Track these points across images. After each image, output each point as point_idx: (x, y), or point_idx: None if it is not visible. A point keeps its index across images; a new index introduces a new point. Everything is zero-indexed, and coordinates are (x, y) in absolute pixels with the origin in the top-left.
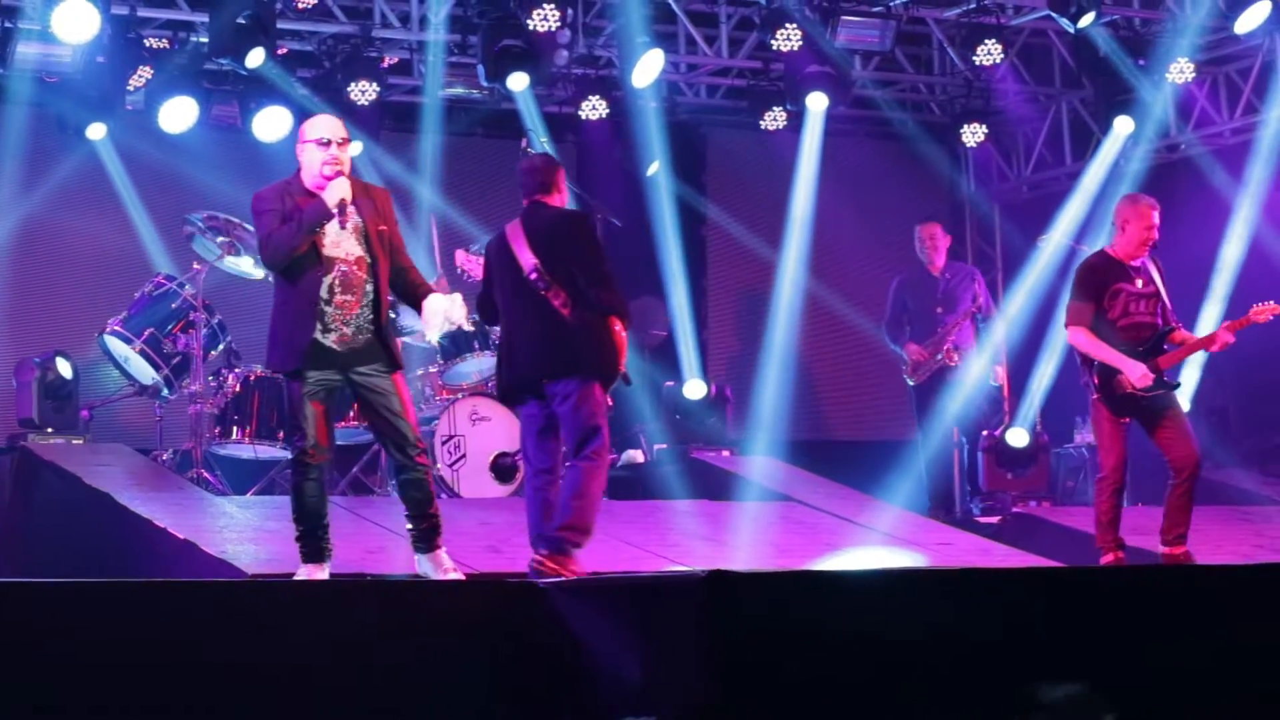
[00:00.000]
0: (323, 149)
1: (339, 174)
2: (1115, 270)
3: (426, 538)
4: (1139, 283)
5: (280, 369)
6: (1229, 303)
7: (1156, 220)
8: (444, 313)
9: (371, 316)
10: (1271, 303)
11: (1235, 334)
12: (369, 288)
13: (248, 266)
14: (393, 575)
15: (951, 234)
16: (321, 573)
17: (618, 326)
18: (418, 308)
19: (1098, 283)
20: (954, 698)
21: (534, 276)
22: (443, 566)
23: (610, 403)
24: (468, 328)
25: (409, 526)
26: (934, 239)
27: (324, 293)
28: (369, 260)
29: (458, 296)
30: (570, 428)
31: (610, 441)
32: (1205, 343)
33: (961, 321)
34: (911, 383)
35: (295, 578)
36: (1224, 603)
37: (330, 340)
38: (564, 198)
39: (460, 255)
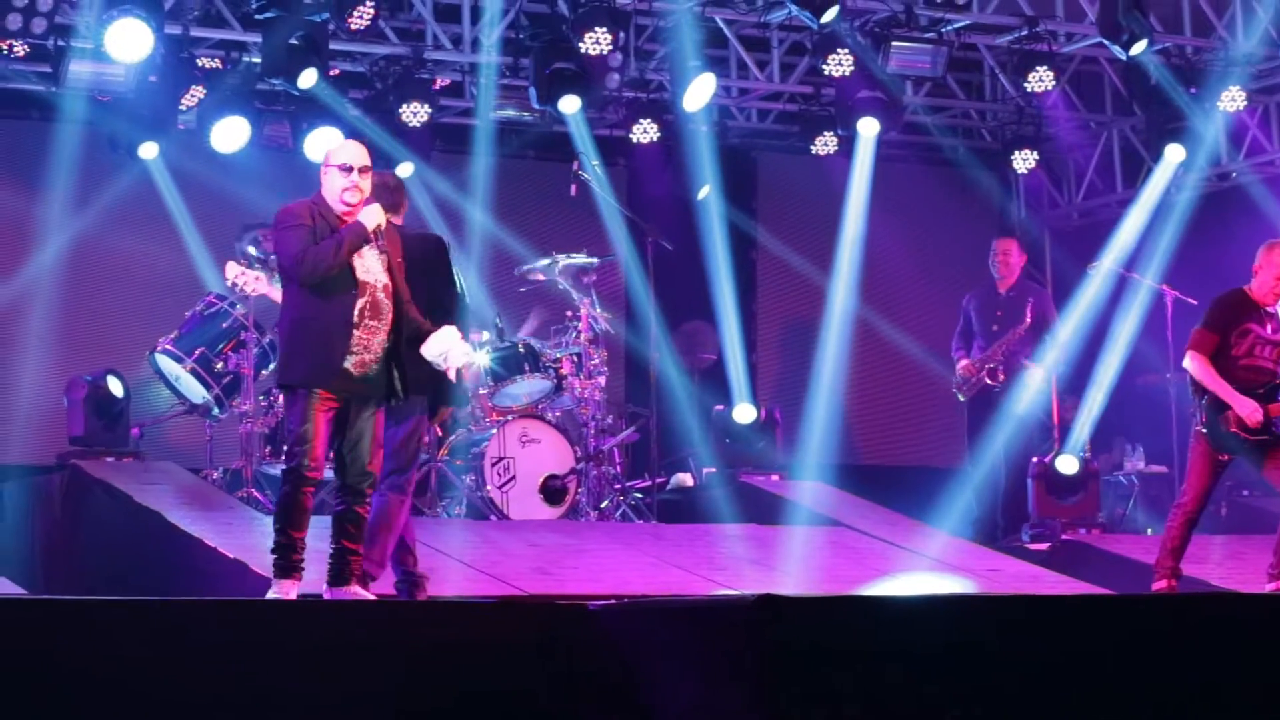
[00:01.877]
0: (344, 175)
1: (366, 201)
2: (1249, 310)
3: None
4: (1269, 328)
5: (299, 384)
6: None
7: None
8: (443, 353)
9: (389, 345)
10: None
11: None
12: (390, 316)
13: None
14: (443, 597)
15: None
16: (295, 589)
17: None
18: (416, 345)
19: (1227, 318)
20: None
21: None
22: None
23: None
24: (475, 364)
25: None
26: (1007, 254)
27: (354, 316)
28: (393, 289)
29: (453, 332)
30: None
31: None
32: None
33: (1012, 340)
34: (961, 398)
35: (269, 596)
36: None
37: (350, 364)
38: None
39: (231, 267)
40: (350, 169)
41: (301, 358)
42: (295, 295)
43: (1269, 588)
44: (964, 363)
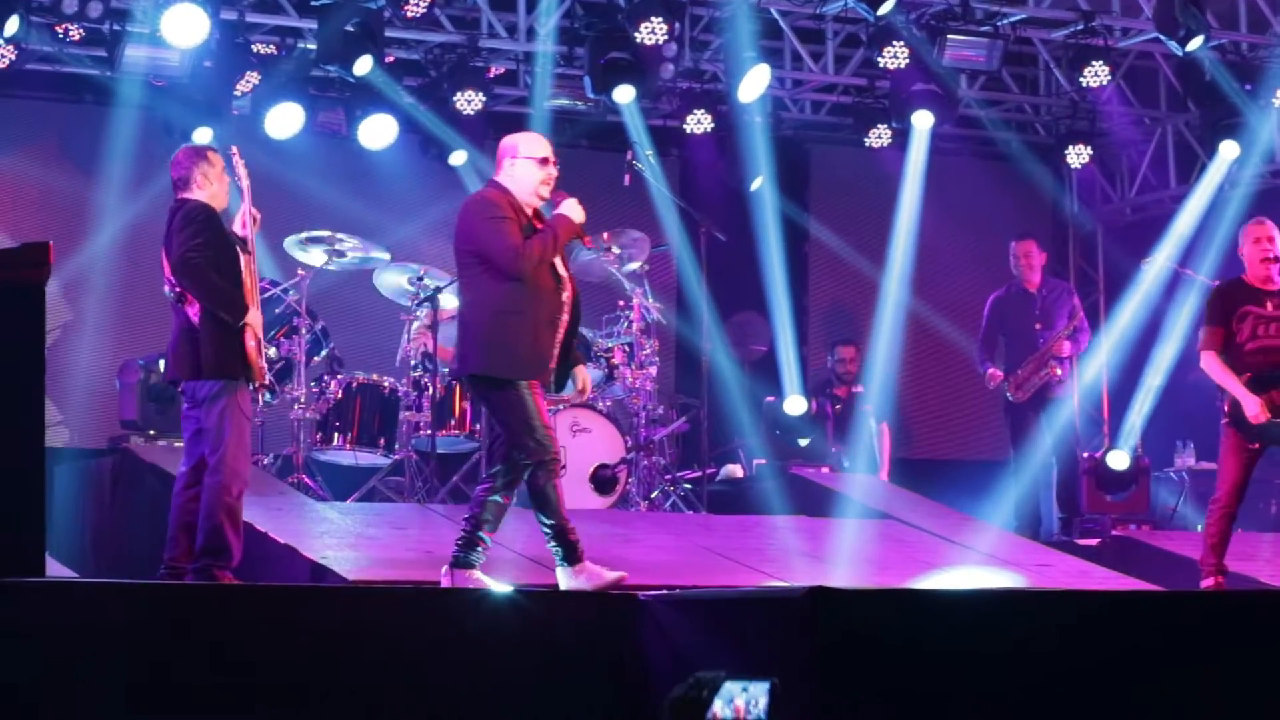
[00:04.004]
0: (542, 167)
1: (558, 196)
2: (1243, 294)
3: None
4: (1269, 305)
5: (512, 377)
6: None
7: (1267, 235)
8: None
9: (565, 338)
10: None
11: None
12: (571, 309)
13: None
14: (494, 586)
15: (1054, 254)
16: (589, 568)
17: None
18: None
19: (1224, 307)
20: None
21: (166, 288)
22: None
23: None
24: None
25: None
26: (1029, 256)
27: (561, 311)
28: (572, 283)
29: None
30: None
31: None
32: None
33: (1062, 338)
34: (1012, 399)
35: (574, 585)
36: None
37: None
38: (211, 191)
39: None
40: (547, 161)
41: (511, 351)
42: (497, 287)
43: None
44: (994, 373)
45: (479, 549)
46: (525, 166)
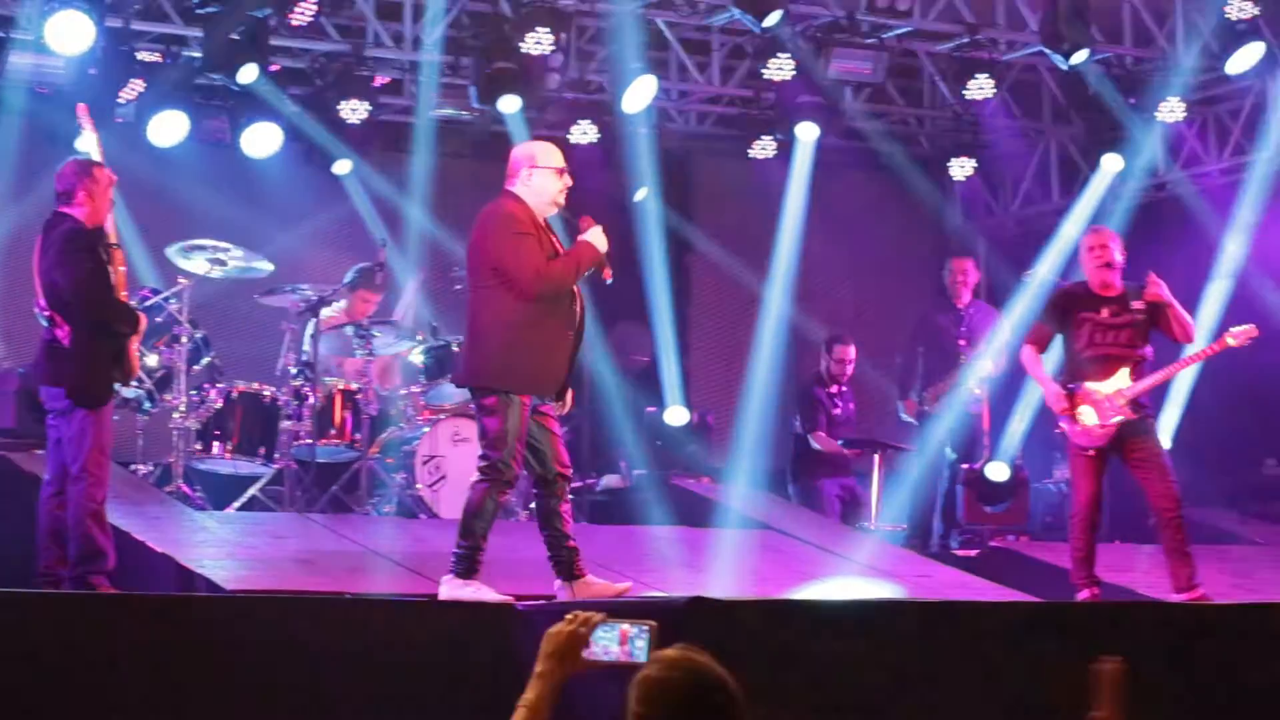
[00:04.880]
0: (560, 178)
1: (583, 221)
2: (1082, 299)
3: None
4: (1105, 312)
5: (516, 390)
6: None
7: (1100, 243)
8: None
9: (573, 349)
10: (1249, 326)
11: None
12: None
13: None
14: (371, 594)
15: (936, 267)
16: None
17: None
18: None
19: (1061, 310)
20: None
21: (38, 310)
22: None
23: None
24: None
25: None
26: (966, 274)
27: (575, 326)
28: (582, 296)
29: None
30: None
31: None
32: (1172, 371)
33: (988, 358)
34: (926, 410)
35: (451, 595)
36: (1199, 641)
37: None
38: (92, 208)
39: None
40: (564, 171)
41: (522, 365)
42: (514, 301)
43: (1175, 599)
44: (910, 403)
45: (577, 558)
46: (544, 176)
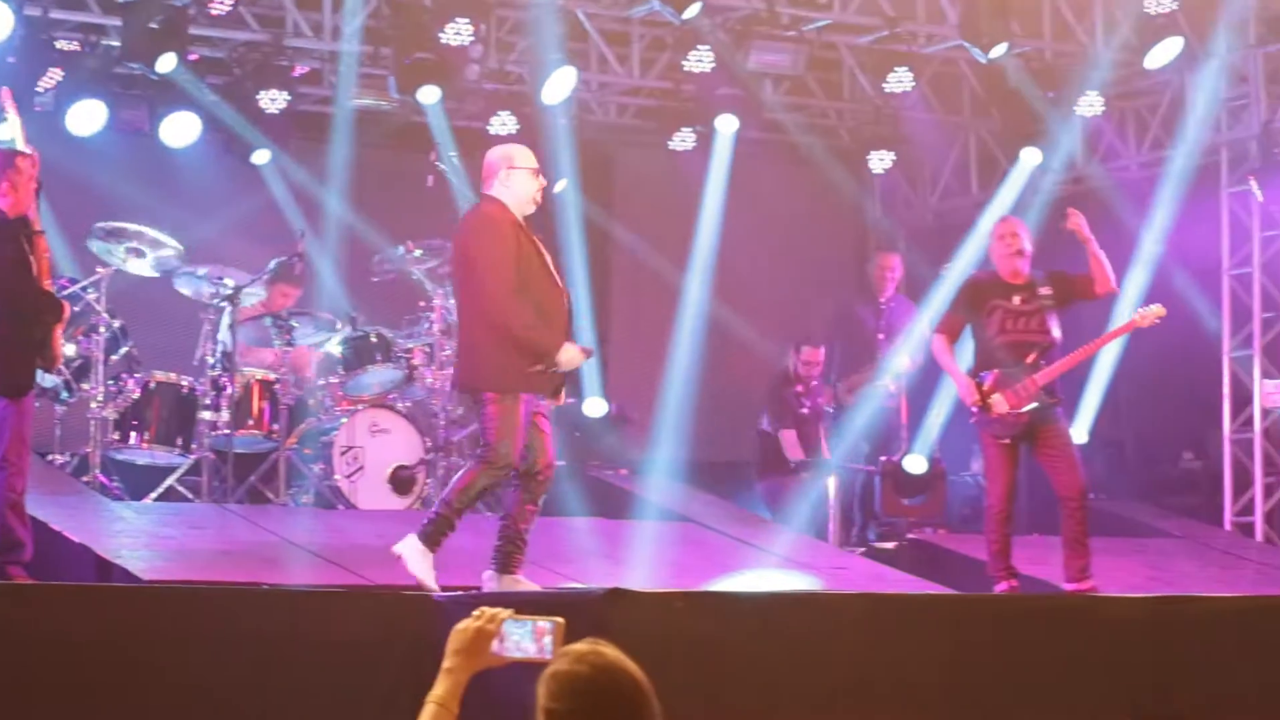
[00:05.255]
0: (536, 177)
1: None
2: (993, 288)
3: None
4: (1016, 299)
5: (518, 389)
6: (1131, 333)
7: (1010, 231)
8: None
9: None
10: (1156, 306)
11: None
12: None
13: (146, 270)
14: (288, 585)
15: (855, 259)
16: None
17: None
18: None
19: (972, 299)
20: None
21: None
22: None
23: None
24: None
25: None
26: (891, 269)
27: (566, 326)
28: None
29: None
30: None
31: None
32: (1082, 354)
33: (906, 354)
34: (841, 401)
35: (401, 554)
36: (1117, 633)
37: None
38: (15, 199)
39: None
40: (539, 171)
41: (517, 364)
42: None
43: (1067, 587)
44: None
45: (521, 554)
46: (521, 178)
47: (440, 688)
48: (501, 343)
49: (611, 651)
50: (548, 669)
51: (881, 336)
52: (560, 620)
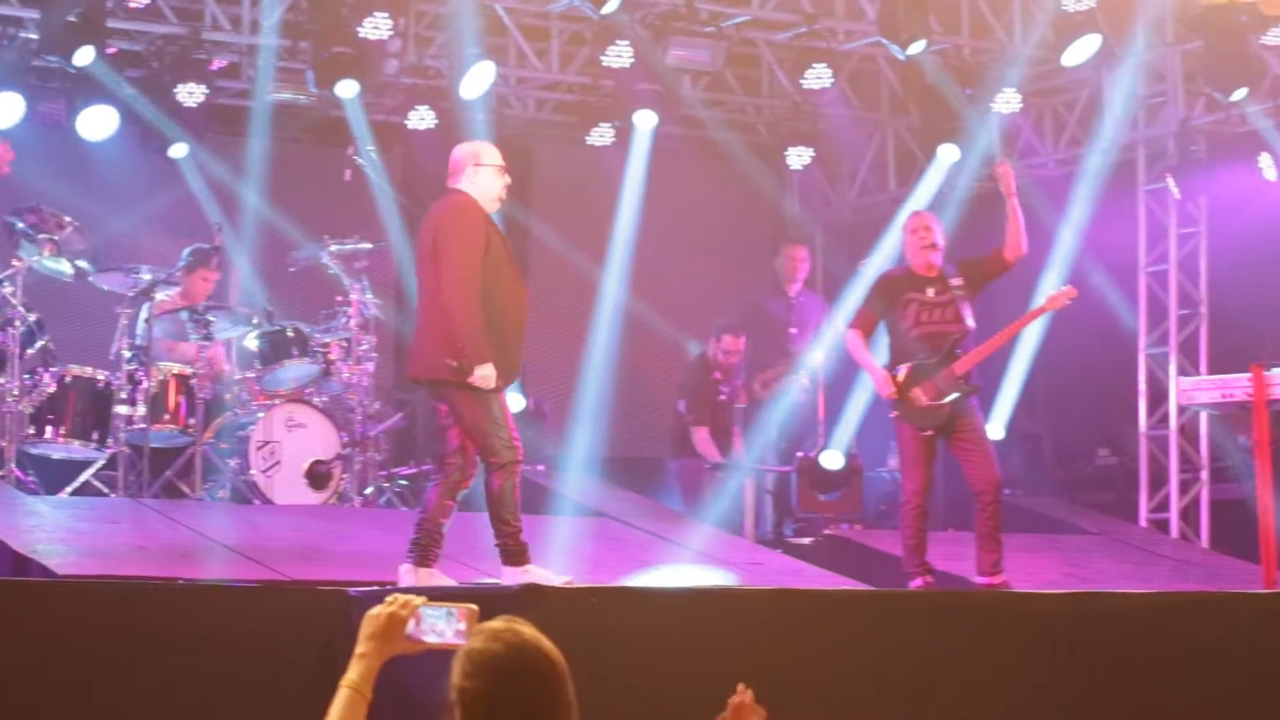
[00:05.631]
0: (502, 175)
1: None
2: (906, 281)
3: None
4: (930, 292)
5: (452, 372)
6: (1048, 328)
7: (923, 224)
8: None
9: None
10: (1066, 287)
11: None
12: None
13: (65, 268)
14: (204, 580)
15: (774, 256)
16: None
17: None
18: None
19: (886, 294)
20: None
21: None
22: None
23: None
24: None
25: None
26: (799, 261)
27: (524, 316)
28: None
29: None
30: None
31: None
32: (998, 340)
33: (818, 348)
34: (755, 396)
35: (533, 580)
36: (1032, 629)
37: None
38: None
39: None
40: (504, 169)
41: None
42: (459, 292)
43: (979, 581)
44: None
45: (438, 548)
46: (487, 174)
47: (353, 672)
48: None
49: (528, 630)
50: (464, 646)
51: (794, 330)
52: (474, 607)
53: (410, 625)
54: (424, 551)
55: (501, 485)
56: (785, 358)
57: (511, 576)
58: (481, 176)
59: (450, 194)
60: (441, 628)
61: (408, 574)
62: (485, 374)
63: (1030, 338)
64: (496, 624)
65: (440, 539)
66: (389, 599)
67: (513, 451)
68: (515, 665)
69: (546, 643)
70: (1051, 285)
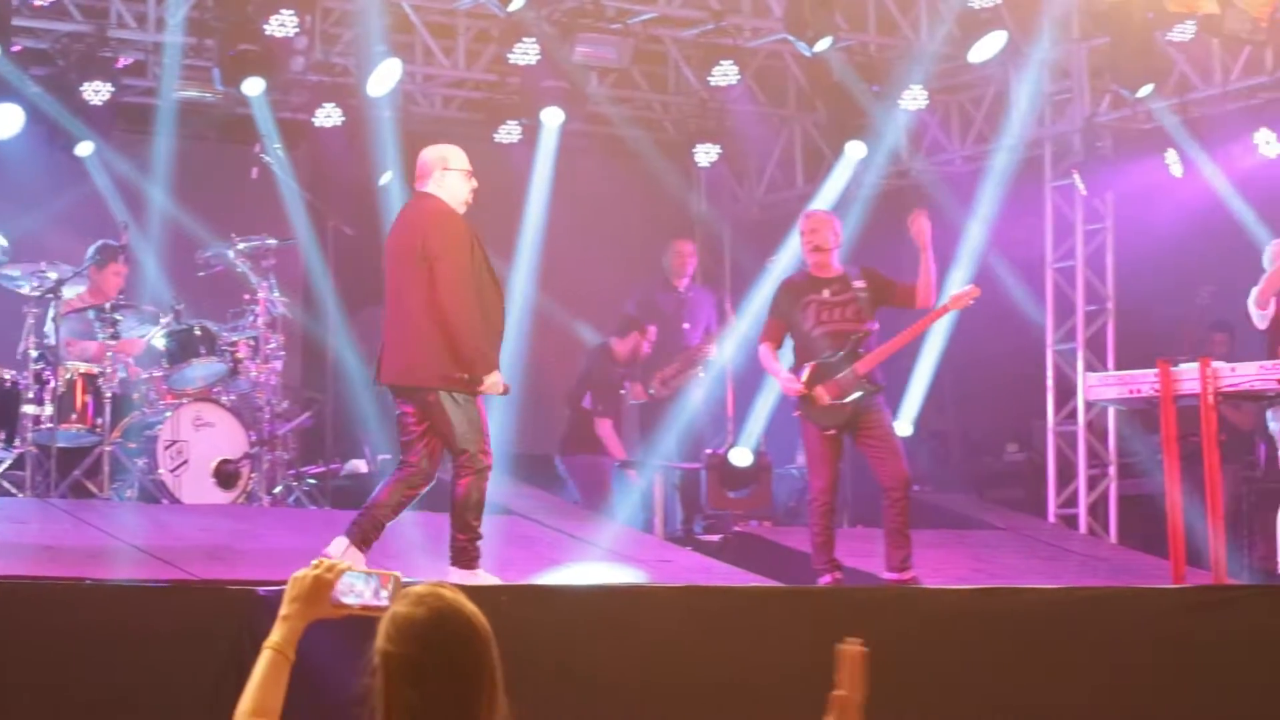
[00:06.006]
0: (469, 179)
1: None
2: (804, 285)
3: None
4: (826, 292)
5: (461, 386)
6: (956, 325)
7: (809, 227)
8: None
9: None
10: (970, 286)
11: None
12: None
13: None
14: (112, 580)
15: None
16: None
17: None
18: None
19: (786, 300)
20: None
21: None
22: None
23: None
24: None
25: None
26: (687, 256)
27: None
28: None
29: None
30: None
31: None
32: (901, 340)
33: (713, 340)
34: (654, 394)
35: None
36: (942, 624)
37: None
38: None
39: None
40: (471, 173)
41: (466, 357)
42: (451, 297)
43: (888, 577)
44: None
45: (376, 538)
46: (455, 179)
47: (277, 634)
48: (465, 337)
49: (451, 593)
50: (388, 610)
51: (686, 326)
52: (398, 573)
53: (335, 589)
54: (363, 535)
55: (469, 488)
56: (680, 353)
57: (458, 578)
58: (449, 180)
59: (422, 198)
60: (365, 592)
61: (342, 546)
62: (495, 381)
63: (938, 334)
64: (420, 589)
65: (380, 531)
66: (315, 562)
67: (487, 458)
68: (438, 629)
69: (470, 606)
70: (957, 284)
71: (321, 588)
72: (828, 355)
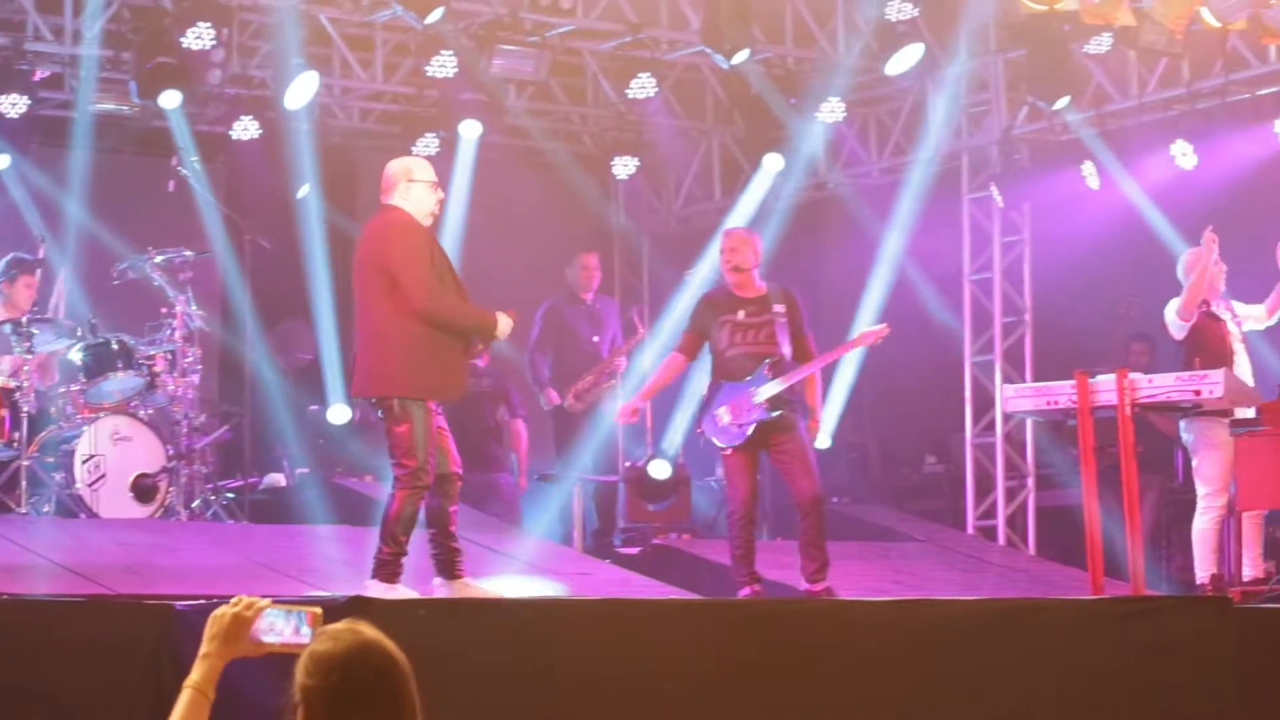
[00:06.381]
0: (435, 190)
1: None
2: (723, 303)
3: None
4: (741, 314)
5: (424, 396)
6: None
7: (728, 246)
8: None
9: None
10: (880, 326)
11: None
12: None
13: None
14: (30, 595)
15: (601, 265)
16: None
17: None
18: None
19: (703, 316)
20: None
21: None
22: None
23: None
24: None
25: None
26: (594, 269)
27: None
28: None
29: None
30: None
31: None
32: (807, 369)
33: (625, 352)
34: (568, 408)
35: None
36: (861, 636)
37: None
38: None
39: None
40: (437, 185)
41: (428, 370)
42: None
43: (804, 588)
44: (552, 393)
45: (458, 558)
46: (420, 190)
47: (197, 673)
48: (414, 346)
49: (369, 630)
50: (307, 647)
51: (595, 339)
52: (319, 610)
53: (255, 627)
54: (448, 564)
55: (404, 503)
56: (592, 365)
57: (377, 591)
58: (414, 192)
59: (386, 210)
60: (285, 630)
61: (442, 587)
62: (505, 322)
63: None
64: (339, 626)
65: (456, 546)
66: (234, 600)
67: (428, 476)
68: (356, 663)
69: (388, 643)
70: (876, 295)
71: (241, 625)
72: (739, 377)
